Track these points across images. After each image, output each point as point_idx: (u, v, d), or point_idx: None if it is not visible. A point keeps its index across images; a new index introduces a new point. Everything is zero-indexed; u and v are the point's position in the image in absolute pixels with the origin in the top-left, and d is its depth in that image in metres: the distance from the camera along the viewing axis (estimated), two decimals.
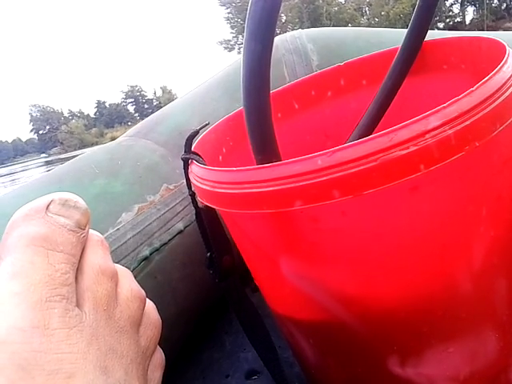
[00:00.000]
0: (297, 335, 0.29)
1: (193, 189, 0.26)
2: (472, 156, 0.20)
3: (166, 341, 0.26)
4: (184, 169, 0.26)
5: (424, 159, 0.18)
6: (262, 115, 0.20)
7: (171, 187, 0.43)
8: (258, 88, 0.20)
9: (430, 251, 0.22)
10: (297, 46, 0.57)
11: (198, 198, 0.25)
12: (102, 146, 0.49)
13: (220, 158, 0.33)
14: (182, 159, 0.26)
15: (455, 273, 0.23)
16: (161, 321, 0.24)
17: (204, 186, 0.23)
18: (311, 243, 0.22)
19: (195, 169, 0.25)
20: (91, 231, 0.21)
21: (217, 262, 0.30)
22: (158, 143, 0.48)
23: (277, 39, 0.59)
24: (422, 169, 0.18)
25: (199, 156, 0.26)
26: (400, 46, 0.34)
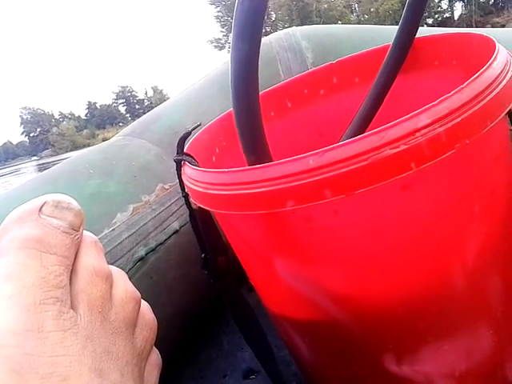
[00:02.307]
0: (292, 334, 0.29)
1: (186, 190, 0.26)
2: (463, 153, 0.20)
3: (163, 341, 0.25)
4: (177, 170, 0.26)
5: (415, 157, 0.18)
6: (252, 115, 0.20)
7: (166, 187, 0.43)
8: (247, 88, 0.20)
9: (424, 249, 0.22)
10: (291, 43, 0.57)
11: (192, 200, 0.25)
12: (96, 145, 0.49)
13: (213, 158, 0.33)
14: (174, 161, 0.26)
15: (449, 270, 0.23)
16: (156, 321, 0.23)
17: (197, 188, 0.23)
18: (304, 243, 0.22)
19: (188, 170, 0.25)
20: (85, 232, 0.21)
21: (211, 262, 0.30)
22: (152, 142, 0.47)
23: (271, 37, 0.59)
24: (413, 167, 0.18)
25: (191, 157, 0.26)
26: (391, 43, 0.34)
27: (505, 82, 0.20)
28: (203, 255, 0.30)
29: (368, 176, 0.18)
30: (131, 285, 0.22)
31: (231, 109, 0.33)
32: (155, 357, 0.23)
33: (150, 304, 0.24)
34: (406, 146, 0.17)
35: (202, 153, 0.30)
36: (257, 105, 0.20)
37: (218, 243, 0.30)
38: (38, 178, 0.42)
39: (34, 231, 0.18)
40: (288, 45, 0.56)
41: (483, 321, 0.25)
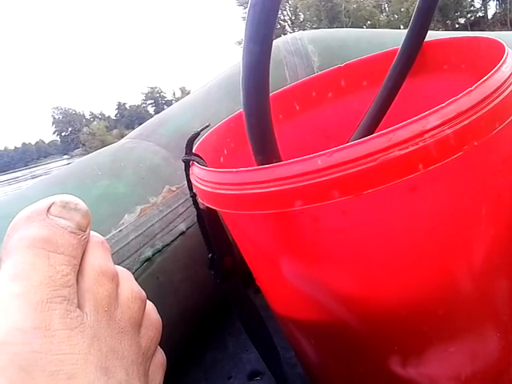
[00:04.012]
0: (298, 335, 0.29)
1: (194, 190, 0.26)
2: (471, 155, 0.20)
3: (168, 341, 0.26)
4: (185, 170, 0.27)
5: (423, 159, 0.18)
6: (262, 116, 0.21)
7: (173, 189, 0.43)
8: (258, 89, 0.20)
9: (430, 250, 0.22)
10: (298, 47, 0.57)
11: (199, 200, 0.25)
12: (104, 148, 0.49)
13: (221, 159, 0.33)
14: (183, 161, 0.26)
15: (456, 272, 0.23)
16: (161, 321, 0.24)
17: (205, 188, 0.23)
18: (312, 243, 0.22)
19: (196, 170, 0.25)
20: (92, 233, 0.21)
21: (218, 262, 0.30)
22: (159, 145, 0.48)
23: (278, 41, 0.59)
24: (421, 168, 0.18)
25: (200, 157, 0.26)
26: (400, 46, 0.34)
27: None
28: (210, 255, 0.30)
29: (376, 177, 0.18)
30: (137, 285, 0.22)
31: (239, 111, 0.33)
32: (160, 356, 0.23)
33: (155, 304, 0.24)
34: (414, 148, 0.17)
35: (210, 154, 0.30)
36: (267, 105, 0.20)
37: (225, 243, 0.30)
38: (47, 179, 0.42)
39: (41, 231, 0.18)
40: (295, 49, 0.57)
41: (490, 324, 0.25)
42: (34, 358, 0.16)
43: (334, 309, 0.24)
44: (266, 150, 0.22)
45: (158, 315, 0.24)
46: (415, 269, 0.22)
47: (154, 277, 0.38)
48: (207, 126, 0.28)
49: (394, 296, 0.23)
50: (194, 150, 0.27)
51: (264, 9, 0.18)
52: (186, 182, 0.27)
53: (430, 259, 0.22)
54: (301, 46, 0.57)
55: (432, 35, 0.34)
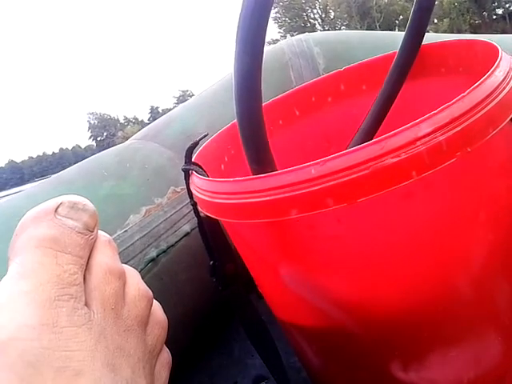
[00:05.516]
0: (300, 341, 0.29)
1: (194, 198, 0.26)
2: (465, 161, 0.20)
3: (173, 341, 0.26)
4: (185, 179, 0.27)
5: (416, 166, 0.18)
6: (255, 126, 0.21)
7: (178, 190, 0.43)
8: (250, 99, 0.20)
9: (428, 256, 0.22)
10: (303, 49, 0.57)
11: (200, 208, 0.26)
12: (110, 149, 0.50)
13: (222, 166, 0.33)
14: (182, 170, 0.26)
15: (455, 277, 0.23)
16: (167, 320, 0.24)
17: (203, 197, 0.23)
18: (309, 251, 0.22)
19: (195, 179, 0.25)
20: (99, 232, 0.21)
21: (220, 269, 0.30)
22: (165, 146, 0.48)
23: (283, 43, 0.59)
24: (414, 176, 0.18)
25: (199, 166, 0.26)
26: (398, 50, 0.34)
27: (508, 89, 0.20)
28: (211, 262, 0.30)
29: (369, 185, 0.18)
30: (143, 283, 0.23)
31: None
32: (166, 355, 0.24)
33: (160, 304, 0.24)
34: (406, 155, 0.18)
35: (211, 161, 0.31)
36: (260, 114, 0.21)
37: (226, 250, 0.30)
38: (55, 179, 0.42)
39: (49, 231, 0.19)
40: (300, 51, 0.57)
41: (491, 328, 0.25)
42: (42, 353, 0.16)
43: (334, 315, 0.24)
44: (260, 160, 0.22)
45: (164, 314, 0.24)
46: (413, 274, 0.22)
47: (159, 277, 0.38)
48: (206, 136, 0.28)
49: (393, 301, 0.23)
50: (194, 158, 0.27)
51: (254, 19, 0.18)
52: None
53: (429, 264, 0.22)
54: (306, 48, 0.57)
55: (429, 38, 0.33)
